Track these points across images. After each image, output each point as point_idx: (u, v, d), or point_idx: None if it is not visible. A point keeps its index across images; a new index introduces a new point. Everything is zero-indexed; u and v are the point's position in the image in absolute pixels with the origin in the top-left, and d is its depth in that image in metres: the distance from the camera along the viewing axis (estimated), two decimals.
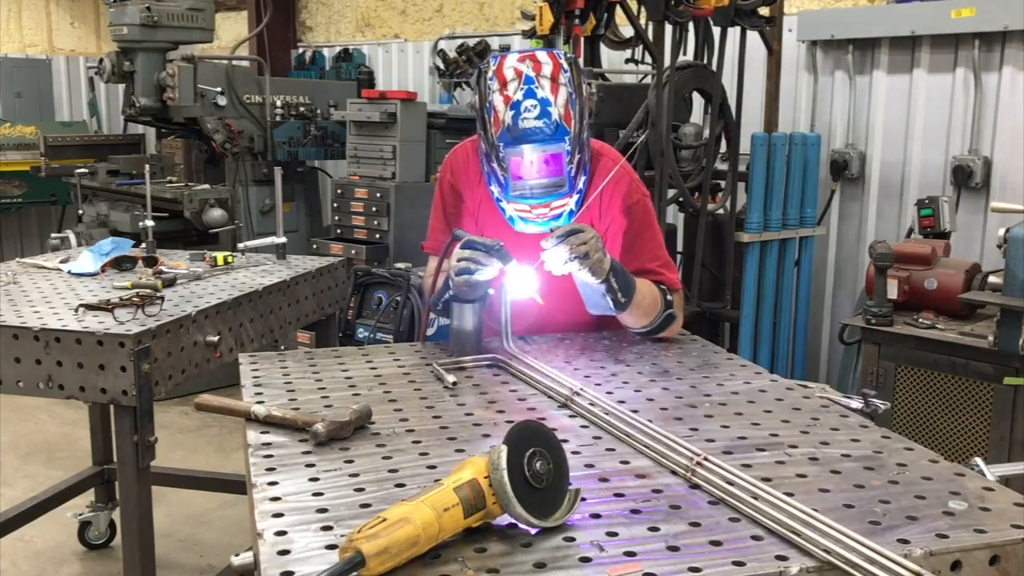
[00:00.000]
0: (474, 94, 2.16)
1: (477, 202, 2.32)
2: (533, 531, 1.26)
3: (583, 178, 2.18)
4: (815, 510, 1.27)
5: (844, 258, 4.87)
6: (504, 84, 2.05)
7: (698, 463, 1.44)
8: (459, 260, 2.02)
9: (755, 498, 1.31)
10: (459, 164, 2.37)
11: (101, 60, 5.89)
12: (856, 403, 1.86)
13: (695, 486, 1.42)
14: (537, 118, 2.02)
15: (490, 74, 2.08)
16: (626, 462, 1.53)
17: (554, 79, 2.04)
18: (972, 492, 1.39)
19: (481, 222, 2.32)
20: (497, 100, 2.05)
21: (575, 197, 2.16)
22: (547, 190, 2.09)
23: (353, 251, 5.22)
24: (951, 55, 4.35)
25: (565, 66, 2.07)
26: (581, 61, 4.38)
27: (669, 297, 2.25)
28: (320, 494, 1.39)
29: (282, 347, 3.72)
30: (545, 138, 2.03)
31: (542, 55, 2.08)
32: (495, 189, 2.17)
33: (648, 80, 4.37)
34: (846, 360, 4.30)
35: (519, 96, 2.03)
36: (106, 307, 2.53)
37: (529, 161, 2.06)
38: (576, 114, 2.07)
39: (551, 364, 2.09)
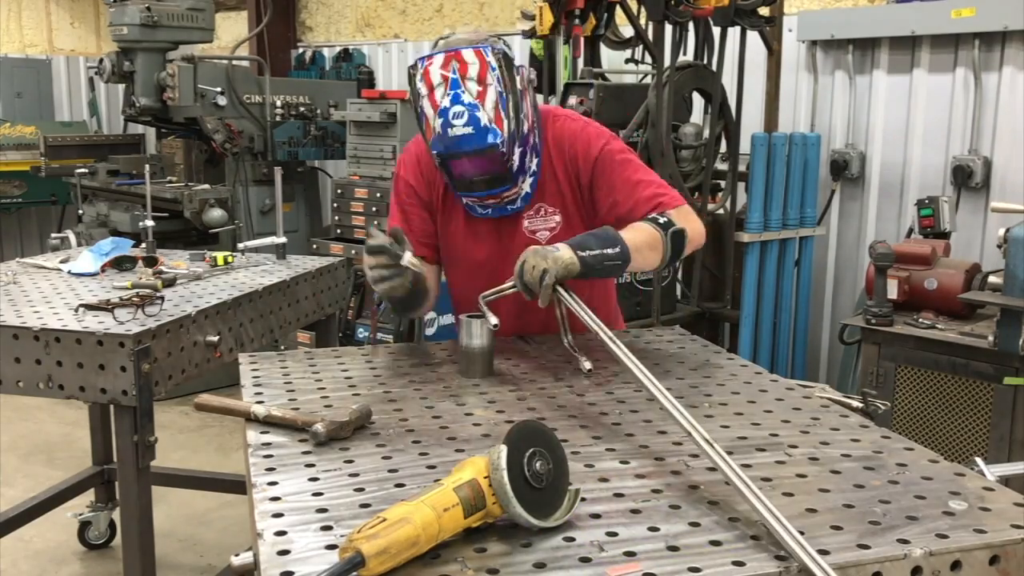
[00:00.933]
0: (409, 95, 2.14)
1: (438, 197, 2.29)
2: (533, 531, 1.26)
3: (536, 160, 2.17)
4: (813, 510, 1.26)
5: (844, 258, 4.87)
6: (431, 89, 2.01)
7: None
8: (370, 269, 1.99)
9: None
10: (410, 165, 2.32)
11: (101, 60, 5.89)
12: (856, 403, 1.86)
13: (694, 486, 1.42)
14: (465, 125, 1.98)
15: (419, 77, 2.04)
16: (626, 462, 1.53)
17: (481, 80, 2.00)
18: (972, 492, 1.39)
19: (444, 216, 2.30)
20: (426, 106, 2.03)
21: (528, 180, 2.16)
22: (490, 185, 2.09)
23: (353, 251, 5.22)
24: (951, 55, 4.35)
25: (493, 63, 2.01)
26: (581, 61, 4.41)
27: (662, 220, 2.08)
28: (320, 494, 1.39)
29: (282, 347, 3.72)
30: (475, 144, 2.00)
31: (468, 54, 2.01)
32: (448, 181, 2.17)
33: (648, 80, 4.37)
34: (846, 360, 4.30)
35: (446, 103, 1.99)
36: (106, 307, 2.53)
37: (465, 164, 2.05)
38: (510, 111, 2.02)
39: (551, 363, 2.09)
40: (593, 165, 2.20)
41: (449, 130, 1.99)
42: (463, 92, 1.99)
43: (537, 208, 2.23)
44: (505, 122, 2.01)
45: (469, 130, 1.98)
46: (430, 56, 2.04)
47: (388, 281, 1.98)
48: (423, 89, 2.03)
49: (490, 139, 1.99)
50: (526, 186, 2.16)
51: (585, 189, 2.23)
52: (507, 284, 1.97)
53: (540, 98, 4.11)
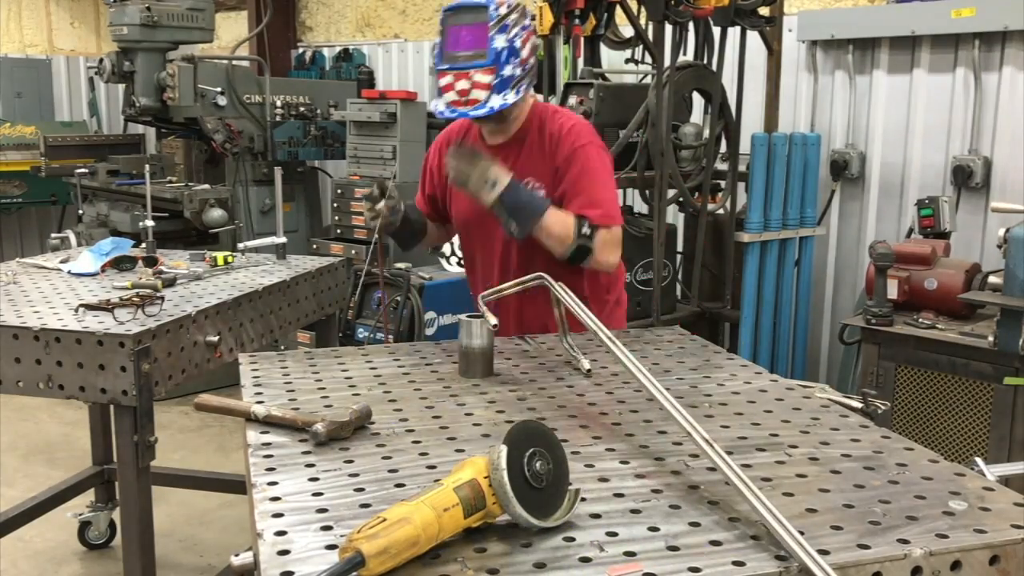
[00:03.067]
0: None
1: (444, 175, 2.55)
2: (533, 531, 1.26)
3: (513, 83, 2.38)
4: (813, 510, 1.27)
5: (844, 258, 4.87)
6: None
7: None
8: (365, 211, 2.50)
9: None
10: (439, 144, 2.73)
11: (101, 60, 5.89)
12: (856, 403, 1.86)
13: (694, 486, 1.42)
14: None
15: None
16: (626, 462, 1.53)
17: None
18: (972, 492, 1.39)
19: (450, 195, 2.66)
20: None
21: (499, 98, 2.36)
22: (470, 55, 2.35)
23: (353, 251, 5.22)
24: (951, 55, 4.35)
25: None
26: (581, 61, 4.41)
27: (585, 230, 2.37)
28: (320, 494, 1.39)
29: (282, 347, 3.72)
30: (473, 2, 2.35)
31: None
32: (433, 73, 2.48)
33: (648, 80, 4.37)
34: (846, 360, 4.30)
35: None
36: (106, 307, 2.53)
37: (458, 27, 2.38)
38: (514, 14, 2.36)
39: (551, 363, 2.10)
40: (570, 154, 2.45)
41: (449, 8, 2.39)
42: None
43: (526, 181, 2.43)
44: (505, 7, 2.35)
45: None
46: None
47: (374, 220, 2.49)
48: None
49: (488, 3, 2.33)
50: (495, 102, 2.36)
51: (559, 173, 2.46)
52: (507, 285, 2.16)
53: (540, 97, 4.13)
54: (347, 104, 5.66)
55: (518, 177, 2.37)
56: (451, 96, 2.38)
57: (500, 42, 2.33)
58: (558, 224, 2.36)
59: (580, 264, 2.41)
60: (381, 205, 2.45)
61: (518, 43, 2.38)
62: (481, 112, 2.36)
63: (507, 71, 2.36)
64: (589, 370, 2.00)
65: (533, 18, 2.63)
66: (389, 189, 2.49)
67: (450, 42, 2.39)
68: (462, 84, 2.36)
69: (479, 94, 2.35)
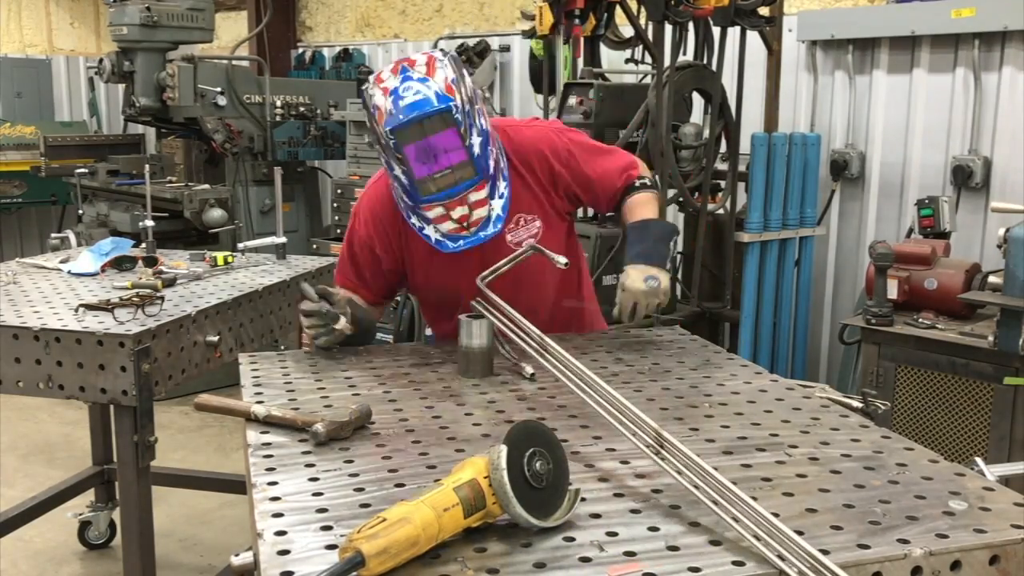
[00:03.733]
0: (365, 114, 2.10)
1: (417, 251, 2.25)
2: (533, 531, 1.26)
3: (505, 184, 2.11)
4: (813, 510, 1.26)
5: (844, 258, 4.87)
6: (381, 83, 2.00)
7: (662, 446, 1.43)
8: (307, 328, 2.13)
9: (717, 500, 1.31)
10: (365, 215, 2.29)
11: (101, 60, 5.89)
12: (856, 403, 1.86)
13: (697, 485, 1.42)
14: (416, 93, 1.94)
15: (370, 83, 2.05)
16: (626, 462, 1.53)
17: (430, 65, 1.99)
18: (972, 492, 1.39)
19: (413, 255, 2.28)
20: (378, 96, 1.99)
21: (500, 201, 2.08)
22: (456, 177, 1.98)
23: None
24: (951, 55, 4.35)
25: (440, 57, 2.03)
26: (581, 61, 4.41)
27: (648, 181, 2.38)
28: (320, 494, 1.39)
29: (282, 347, 3.71)
30: (427, 108, 1.93)
31: (416, 55, 2.04)
32: (413, 220, 2.09)
33: (648, 80, 4.37)
34: (846, 360, 4.30)
35: (396, 83, 1.97)
36: (106, 307, 2.53)
37: (423, 144, 1.95)
38: (463, 92, 1.99)
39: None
40: (564, 160, 2.29)
41: (400, 101, 1.94)
42: (412, 73, 1.98)
43: (516, 219, 2.24)
44: (457, 94, 1.97)
45: (420, 96, 1.94)
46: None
47: (325, 338, 2.12)
48: (373, 89, 2.01)
49: (442, 101, 1.94)
50: (498, 208, 2.08)
51: (560, 184, 2.30)
52: (502, 263, 2.10)
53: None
54: (347, 104, 5.66)
55: (511, 214, 2.18)
56: (449, 225, 2.04)
57: (475, 139, 1.99)
58: (652, 208, 2.34)
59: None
60: (343, 323, 2.10)
61: (484, 121, 2.05)
62: (490, 232, 2.07)
63: (491, 164, 2.06)
64: (533, 374, 1.97)
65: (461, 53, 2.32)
66: (335, 298, 2.13)
67: (419, 166, 1.96)
68: (458, 212, 2.02)
69: (480, 212, 2.05)
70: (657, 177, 2.52)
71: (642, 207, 2.32)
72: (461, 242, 2.07)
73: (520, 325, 1.91)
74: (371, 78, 2.07)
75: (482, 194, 2.04)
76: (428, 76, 1.97)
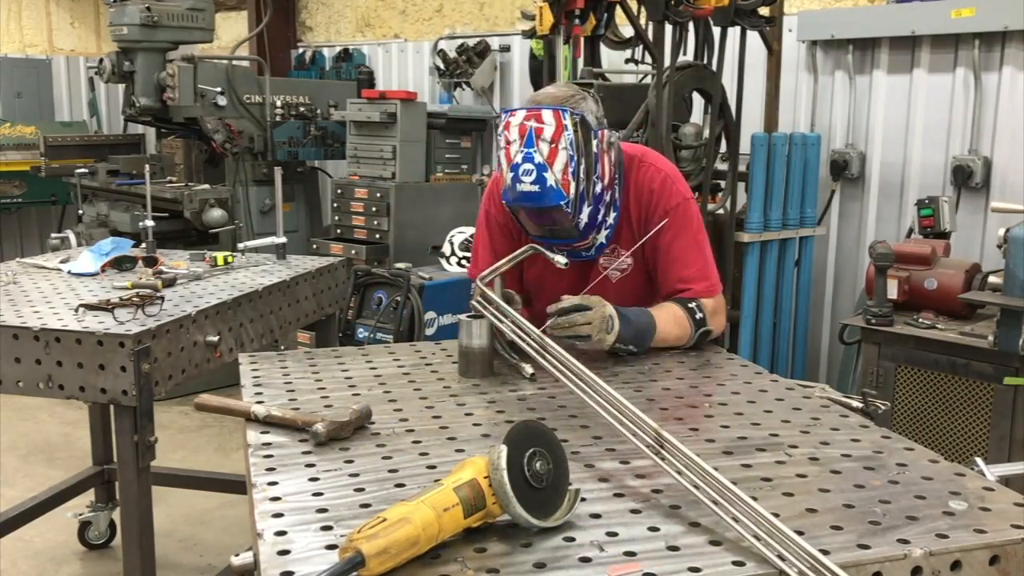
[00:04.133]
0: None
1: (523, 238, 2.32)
2: (533, 531, 1.26)
3: (614, 214, 2.26)
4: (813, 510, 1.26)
5: (844, 258, 4.87)
6: (508, 143, 2.11)
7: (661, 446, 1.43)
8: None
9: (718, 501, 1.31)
10: (497, 199, 2.36)
11: (101, 60, 5.89)
12: (856, 403, 1.86)
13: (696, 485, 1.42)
14: (533, 183, 2.07)
15: (500, 129, 2.15)
16: (626, 462, 1.53)
17: (554, 141, 2.07)
18: (972, 492, 1.39)
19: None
20: (502, 157, 2.13)
21: (604, 232, 2.24)
22: (556, 235, 2.19)
23: (353, 251, 5.22)
24: (951, 55, 4.35)
25: (568, 126, 2.08)
26: (581, 61, 4.40)
27: (699, 315, 2.21)
28: (320, 494, 1.39)
29: (282, 347, 3.72)
30: (539, 202, 2.09)
31: (547, 115, 2.09)
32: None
33: (648, 80, 4.37)
34: (846, 360, 4.30)
35: (518, 159, 2.08)
36: (106, 307, 2.53)
37: (532, 215, 2.16)
38: (580, 173, 2.09)
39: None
40: (664, 215, 2.27)
41: (518, 185, 2.09)
42: (535, 152, 2.08)
43: (613, 248, 2.32)
44: (572, 184, 2.08)
45: (536, 188, 2.07)
46: (514, 110, 2.13)
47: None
48: (502, 140, 2.14)
49: (553, 200, 2.08)
50: (601, 237, 2.25)
51: (648, 231, 2.29)
52: (501, 262, 2.10)
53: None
54: (347, 104, 5.66)
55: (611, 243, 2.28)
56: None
57: (583, 214, 2.14)
58: (673, 327, 2.18)
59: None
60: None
61: (601, 181, 2.16)
62: (592, 255, 2.27)
63: (600, 214, 2.20)
64: (533, 374, 1.97)
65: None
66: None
67: (529, 223, 2.21)
68: (562, 248, 2.19)
69: (585, 246, 2.25)
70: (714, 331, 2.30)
71: (669, 322, 2.18)
72: (566, 252, 2.17)
73: (520, 326, 1.91)
74: (503, 117, 2.15)
75: (583, 244, 2.23)
76: (548, 163, 2.07)
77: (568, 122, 2.08)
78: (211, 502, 4.20)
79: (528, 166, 2.07)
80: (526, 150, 2.08)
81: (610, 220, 2.25)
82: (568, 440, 1.60)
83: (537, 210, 2.13)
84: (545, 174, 2.06)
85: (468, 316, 2.03)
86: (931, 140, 4.46)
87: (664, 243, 2.27)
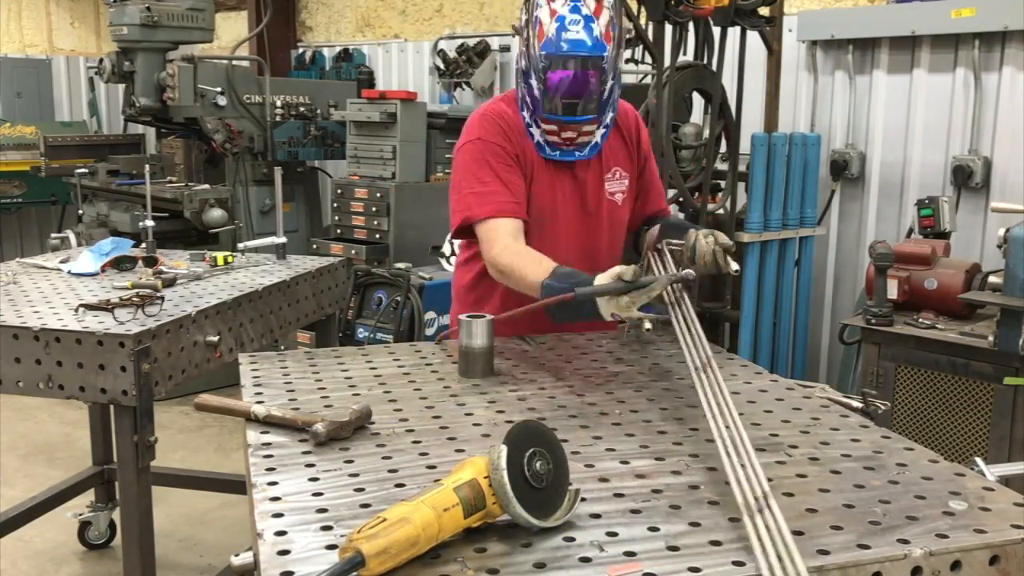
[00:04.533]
0: (521, 14, 2.28)
1: (530, 163, 2.33)
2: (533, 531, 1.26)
3: (610, 115, 2.33)
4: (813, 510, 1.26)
5: (844, 258, 4.87)
6: (552, 1, 2.17)
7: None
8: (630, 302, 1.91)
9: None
10: (507, 125, 2.33)
11: (101, 60, 5.89)
12: (856, 403, 1.86)
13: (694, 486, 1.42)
14: (582, 30, 2.14)
15: None
16: (626, 462, 1.53)
17: (599, 1, 2.17)
18: (972, 492, 1.39)
19: (532, 176, 2.34)
20: (544, 14, 2.18)
21: (601, 131, 2.32)
22: (581, 108, 2.21)
23: (353, 251, 5.22)
24: (951, 55, 4.35)
25: None
26: None
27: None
28: (320, 494, 1.39)
29: (282, 347, 3.72)
30: (586, 51, 2.14)
31: None
32: (526, 115, 2.30)
33: (648, 80, 4.37)
34: (846, 360, 4.30)
35: (565, 11, 2.15)
36: (106, 307, 2.53)
37: (567, 73, 2.17)
38: (615, 39, 2.19)
39: (550, 364, 2.09)
40: (643, 142, 2.47)
41: (564, 33, 2.14)
42: (582, 5, 2.16)
43: (613, 171, 2.42)
44: (611, 44, 2.18)
45: (584, 36, 2.14)
46: None
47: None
48: (542, 3, 2.19)
49: (599, 50, 2.15)
50: (598, 135, 2.32)
51: (637, 163, 2.47)
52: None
53: None
54: (347, 104, 5.66)
55: (607, 167, 2.39)
56: (553, 139, 2.29)
57: (609, 83, 2.22)
58: None
59: None
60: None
61: (620, 65, 2.27)
62: (585, 155, 2.33)
63: (610, 113, 2.31)
64: (649, 328, 1.89)
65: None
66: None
67: (555, 87, 2.19)
68: (568, 134, 2.27)
69: (584, 139, 2.30)
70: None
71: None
72: (557, 153, 2.30)
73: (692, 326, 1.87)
74: None
75: (593, 127, 2.28)
76: (595, 16, 2.16)
77: None
78: (211, 502, 4.21)
79: (576, 16, 2.15)
80: (573, 2, 2.16)
81: (608, 119, 2.32)
82: (568, 440, 1.60)
83: (581, 62, 2.15)
84: (592, 25, 2.15)
85: (468, 316, 2.02)
86: (931, 140, 4.46)
87: (649, 170, 2.50)
